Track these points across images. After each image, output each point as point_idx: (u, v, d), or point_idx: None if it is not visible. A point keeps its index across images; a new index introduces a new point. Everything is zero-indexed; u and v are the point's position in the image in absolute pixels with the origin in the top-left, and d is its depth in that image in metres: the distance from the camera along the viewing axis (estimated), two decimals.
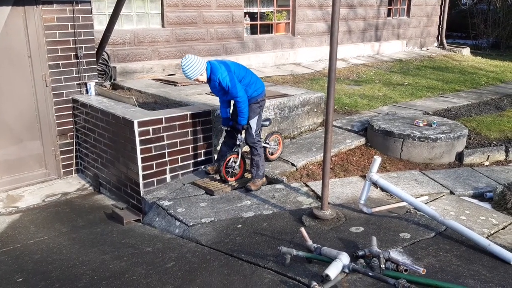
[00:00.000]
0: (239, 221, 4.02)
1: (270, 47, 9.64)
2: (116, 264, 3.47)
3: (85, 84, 5.77)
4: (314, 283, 2.75)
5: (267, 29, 9.86)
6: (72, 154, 5.84)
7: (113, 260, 3.56)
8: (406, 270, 2.93)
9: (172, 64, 7.58)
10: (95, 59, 5.88)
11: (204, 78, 4.38)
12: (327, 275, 2.78)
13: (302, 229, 3.39)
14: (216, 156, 5.21)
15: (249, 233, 3.75)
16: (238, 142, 4.75)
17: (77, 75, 5.69)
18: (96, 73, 5.96)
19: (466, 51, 14.19)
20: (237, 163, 4.80)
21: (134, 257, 3.57)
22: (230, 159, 4.76)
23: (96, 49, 6.02)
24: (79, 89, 5.75)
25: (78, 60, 5.63)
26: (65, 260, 3.68)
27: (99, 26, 6.97)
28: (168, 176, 4.88)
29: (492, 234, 3.81)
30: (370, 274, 2.77)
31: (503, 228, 3.93)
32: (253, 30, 9.56)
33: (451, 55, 13.55)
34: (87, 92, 5.80)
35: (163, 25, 7.87)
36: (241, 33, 9.01)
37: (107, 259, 3.59)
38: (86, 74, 5.76)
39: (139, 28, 7.65)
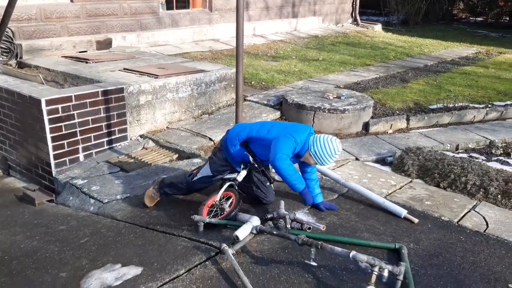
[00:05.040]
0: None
1: (188, 23, 9.56)
2: (27, 243, 3.41)
3: None
4: (224, 244, 2.91)
5: (184, 4, 9.73)
6: None
7: (25, 240, 3.49)
8: (309, 228, 3.18)
9: (84, 41, 7.30)
10: None
11: None
12: (236, 236, 2.95)
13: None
14: (130, 134, 5.19)
15: (165, 206, 3.83)
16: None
17: None
18: (0, 51, 5.63)
19: (378, 27, 14.93)
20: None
21: (47, 236, 3.52)
22: None
23: None
24: None
25: None
26: None
27: (1, 1, 6.51)
28: (81, 155, 4.79)
29: (390, 193, 4.19)
30: (274, 232, 2.98)
31: (399, 188, 4.33)
32: (169, 5, 9.39)
33: (364, 31, 14.20)
34: None
35: (72, 0, 7.51)
36: (156, 8, 8.83)
37: (18, 240, 3.51)
38: None
39: (45, 3, 7.24)
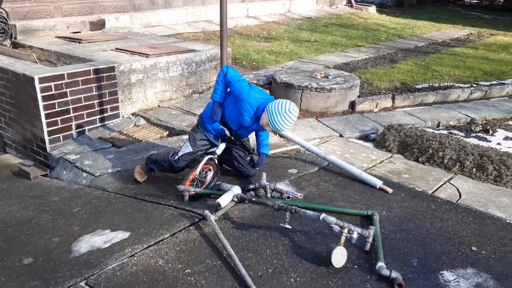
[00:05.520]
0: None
1: (181, 4, 9.63)
2: (23, 213, 3.59)
3: None
4: (207, 211, 3.10)
5: None
6: None
7: (20, 210, 3.67)
8: (288, 197, 3.38)
9: (77, 22, 7.40)
10: None
11: None
12: (218, 204, 3.14)
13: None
14: (122, 112, 5.34)
15: (154, 179, 4.01)
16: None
17: None
18: None
19: (372, 9, 14.98)
20: None
21: (41, 206, 3.71)
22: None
23: None
24: None
25: None
26: None
27: None
28: (74, 132, 4.95)
29: (370, 167, 4.37)
30: (253, 200, 3.17)
31: (380, 163, 4.52)
32: None
33: (357, 13, 14.27)
34: None
35: None
36: None
37: (13, 210, 3.69)
38: None
39: None
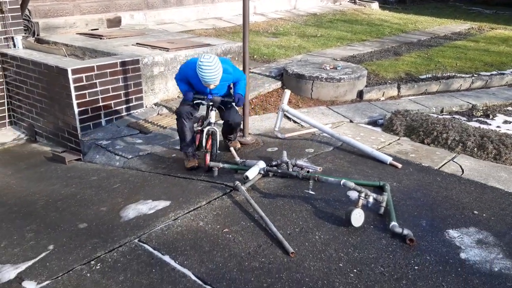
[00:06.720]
0: (173, 152, 4.63)
1: (192, 2, 10.00)
2: (66, 190, 3.98)
3: (12, 38, 5.93)
4: (237, 182, 3.48)
5: None
6: (4, 107, 6.04)
7: (63, 188, 4.05)
8: (309, 171, 3.74)
9: (95, 19, 7.78)
10: (20, 13, 6.02)
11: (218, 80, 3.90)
12: (246, 176, 3.52)
13: (232, 148, 4.11)
14: (145, 102, 5.72)
15: (183, 159, 4.38)
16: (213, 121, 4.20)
17: (3, 29, 5.83)
18: (22, 27, 6.12)
19: (375, 5, 15.32)
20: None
21: (82, 184, 4.09)
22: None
23: (20, 4, 6.13)
24: (6, 43, 5.90)
25: (3, 15, 5.76)
26: (17, 192, 4.10)
27: None
28: (103, 120, 5.33)
29: (379, 149, 4.72)
30: (279, 171, 3.55)
31: (388, 144, 4.88)
32: None
33: (361, 9, 14.62)
34: (14, 46, 5.97)
35: None
36: None
37: (57, 188, 4.07)
38: (12, 28, 5.91)
39: None
